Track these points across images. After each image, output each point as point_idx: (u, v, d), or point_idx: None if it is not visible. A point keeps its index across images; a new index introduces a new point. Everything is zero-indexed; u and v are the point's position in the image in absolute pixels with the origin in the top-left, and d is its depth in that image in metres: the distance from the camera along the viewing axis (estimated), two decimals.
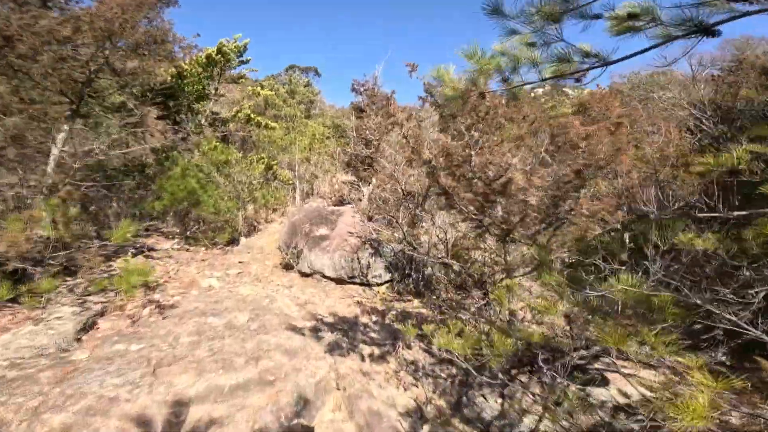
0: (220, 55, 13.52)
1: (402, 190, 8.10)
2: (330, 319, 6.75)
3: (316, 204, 11.15)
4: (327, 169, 13.02)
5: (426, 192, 8.12)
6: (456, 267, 6.87)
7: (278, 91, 25.38)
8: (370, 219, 9.58)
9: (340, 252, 8.11)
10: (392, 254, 8.52)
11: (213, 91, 14.32)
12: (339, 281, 8.33)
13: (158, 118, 14.60)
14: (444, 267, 7.06)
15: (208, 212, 9.16)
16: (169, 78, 13.49)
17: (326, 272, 8.17)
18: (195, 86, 13.09)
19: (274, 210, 14.07)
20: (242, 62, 14.59)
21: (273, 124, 14.49)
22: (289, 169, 14.38)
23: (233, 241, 10.90)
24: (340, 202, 10.92)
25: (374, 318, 7.08)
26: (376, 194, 10.02)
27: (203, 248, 10.27)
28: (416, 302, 8.43)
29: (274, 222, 13.64)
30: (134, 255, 8.44)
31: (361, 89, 12.67)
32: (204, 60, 13.38)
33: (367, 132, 11.14)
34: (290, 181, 14.01)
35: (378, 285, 8.53)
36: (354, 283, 8.37)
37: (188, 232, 10.72)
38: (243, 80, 15.08)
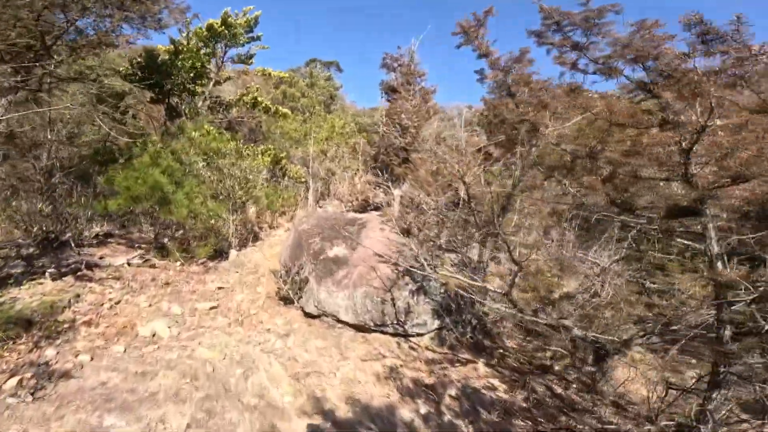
0: (224, 27, 10.89)
1: (467, 194, 5.12)
2: (346, 413, 3.78)
3: (332, 209, 8.30)
4: (347, 165, 10.19)
5: (508, 199, 5.13)
6: (577, 332, 3.81)
7: (297, 83, 22.91)
8: (406, 233, 6.64)
9: (366, 288, 5.15)
10: (443, 292, 5.53)
11: (215, 70, 11.72)
12: (361, 329, 5.38)
13: (152, 101, 12.16)
14: (561, 330, 3.98)
15: (180, 216, 6.40)
16: (167, 56, 10.99)
17: (342, 315, 5.23)
18: (193, 62, 10.46)
19: (282, 213, 11.25)
20: (252, 39, 11.93)
21: (285, 110, 11.80)
22: (303, 166, 11.64)
23: (220, 255, 8.11)
24: (364, 207, 8.05)
25: (423, 407, 4.08)
26: (417, 198, 7.09)
27: (178, 264, 7.51)
28: (481, 366, 5.40)
29: (280, 228, 10.82)
30: (59, 276, 5.68)
31: (395, 65, 9.85)
32: (205, 32, 10.77)
33: (403, 116, 8.27)
34: (302, 179, 11.22)
35: (420, 335, 5.55)
36: (384, 333, 5.40)
37: (159, 242, 8.00)
38: (252, 61, 12.35)
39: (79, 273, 5.99)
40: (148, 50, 10.10)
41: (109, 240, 8.33)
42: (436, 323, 5.45)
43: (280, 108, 11.84)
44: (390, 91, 9.72)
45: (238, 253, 8.15)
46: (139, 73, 10.83)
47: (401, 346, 5.33)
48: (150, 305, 5.60)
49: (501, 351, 6.23)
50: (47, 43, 6.82)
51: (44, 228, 7.15)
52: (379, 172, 8.75)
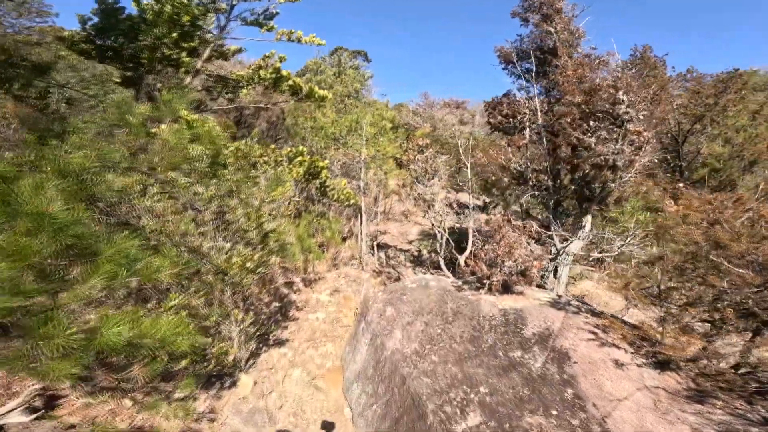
0: None
1: None
2: None
3: (434, 283, 4.10)
4: (444, 185, 5.86)
5: None
6: None
7: (324, 70, 18.83)
8: (665, 366, 2.38)
9: None
10: None
11: (215, 32, 7.62)
12: None
13: (124, 82, 8.07)
14: None
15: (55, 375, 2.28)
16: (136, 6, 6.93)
17: None
18: (174, 9, 6.36)
19: (321, 249, 6.96)
20: None
21: (323, 93, 7.53)
22: (345, 176, 7.49)
23: (219, 378, 4.06)
24: (508, 284, 3.79)
25: None
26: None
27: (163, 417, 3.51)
28: None
29: (320, 285, 6.67)
30: None
31: (544, 9, 5.55)
32: None
33: (620, 95, 3.92)
34: (352, 199, 6.94)
35: None
36: None
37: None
38: (273, 25, 8.07)
39: None
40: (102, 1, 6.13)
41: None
42: None
43: (317, 89, 7.59)
44: (544, 53, 5.42)
45: (254, 376, 4.05)
46: (97, 40, 6.90)
47: None
48: None
49: None
50: None
51: None
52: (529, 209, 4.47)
